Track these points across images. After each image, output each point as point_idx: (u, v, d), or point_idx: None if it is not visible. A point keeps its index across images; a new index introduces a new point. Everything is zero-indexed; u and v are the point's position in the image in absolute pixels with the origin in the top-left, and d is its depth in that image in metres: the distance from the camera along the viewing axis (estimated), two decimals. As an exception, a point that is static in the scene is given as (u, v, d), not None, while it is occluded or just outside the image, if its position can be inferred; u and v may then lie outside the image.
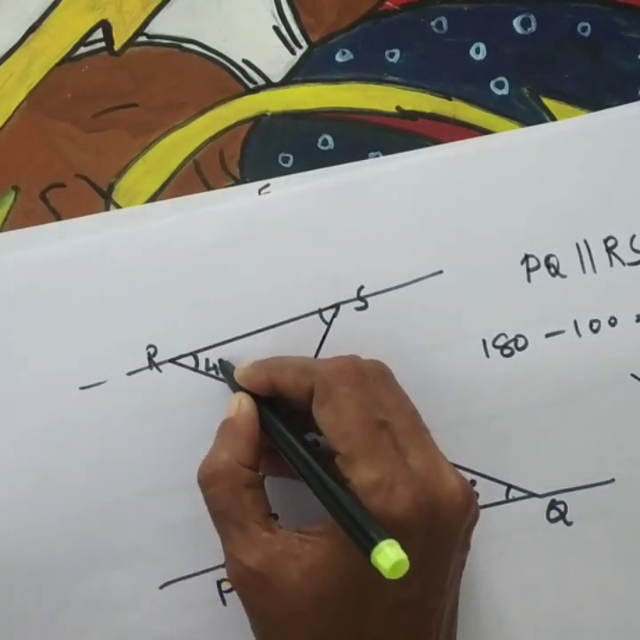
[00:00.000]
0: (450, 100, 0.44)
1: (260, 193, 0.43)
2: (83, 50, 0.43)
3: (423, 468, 0.35)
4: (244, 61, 0.43)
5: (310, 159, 0.43)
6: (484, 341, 0.42)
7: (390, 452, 0.35)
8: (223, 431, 0.39)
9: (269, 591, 0.35)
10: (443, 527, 0.35)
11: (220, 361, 0.42)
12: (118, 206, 0.43)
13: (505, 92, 0.43)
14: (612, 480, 0.43)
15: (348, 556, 0.34)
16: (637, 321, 0.43)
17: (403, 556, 0.31)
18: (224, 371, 0.42)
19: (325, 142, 0.43)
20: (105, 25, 0.43)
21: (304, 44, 0.44)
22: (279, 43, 0.44)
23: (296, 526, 0.36)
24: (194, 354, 0.42)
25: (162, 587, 0.42)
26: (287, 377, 0.38)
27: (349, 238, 0.42)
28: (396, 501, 0.34)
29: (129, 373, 0.42)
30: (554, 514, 0.43)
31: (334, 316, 0.42)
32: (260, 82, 0.43)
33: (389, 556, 0.31)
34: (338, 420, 0.35)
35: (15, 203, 0.43)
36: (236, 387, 0.40)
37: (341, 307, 0.42)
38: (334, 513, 0.34)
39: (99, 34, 0.43)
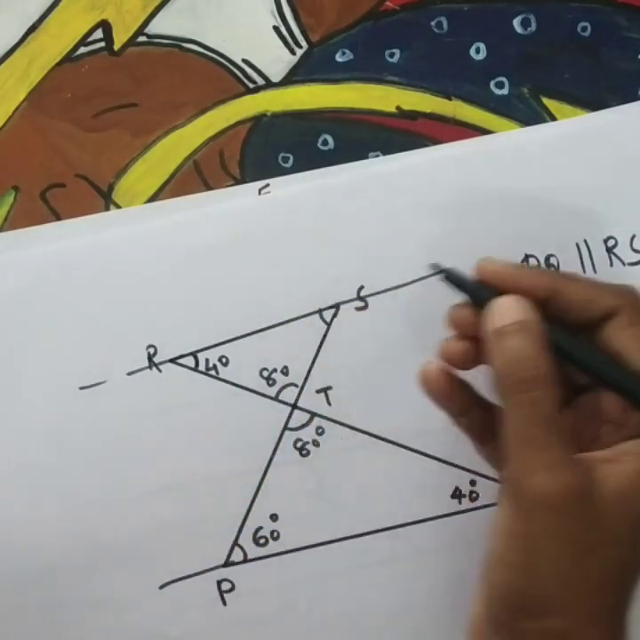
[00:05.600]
0: (450, 99, 0.44)
1: (259, 193, 0.43)
2: (82, 50, 0.43)
3: None
4: (244, 61, 0.44)
5: (310, 159, 0.43)
6: (484, 341, 0.42)
7: None
8: (524, 334, 0.33)
9: (587, 514, 0.32)
10: None
11: (444, 270, 0.35)
12: (118, 206, 0.43)
13: (505, 91, 0.43)
14: (612, 480, 0.43)
15: None
16: (637, 321, 0.43)
17: None
18: (454, 279, 0.35)
19: (325, 142, 0.43)
20: (105, 25, 0.43)
21: (304, 43, 0.44)
22: (279, 43, 0.44)
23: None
24: (194, 354, 0.42)
25: (162, 587, 0.42)
26: (581, 288, 0.35)
27: (349, 238, 0.42)
28: None
29: (129, 373, 0.42)
30: (554, 514, 0.43)
31: (334, 316, 0.42)
32: (260, 82, 0.44)
33: None
34: None
35: (15, 203, 0.43)
36: (484, 293, 0.34)
37: (341, 307, 0.42)
38: None
39: (99, 34, 0.43)
